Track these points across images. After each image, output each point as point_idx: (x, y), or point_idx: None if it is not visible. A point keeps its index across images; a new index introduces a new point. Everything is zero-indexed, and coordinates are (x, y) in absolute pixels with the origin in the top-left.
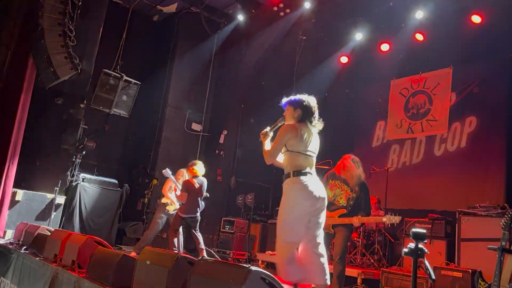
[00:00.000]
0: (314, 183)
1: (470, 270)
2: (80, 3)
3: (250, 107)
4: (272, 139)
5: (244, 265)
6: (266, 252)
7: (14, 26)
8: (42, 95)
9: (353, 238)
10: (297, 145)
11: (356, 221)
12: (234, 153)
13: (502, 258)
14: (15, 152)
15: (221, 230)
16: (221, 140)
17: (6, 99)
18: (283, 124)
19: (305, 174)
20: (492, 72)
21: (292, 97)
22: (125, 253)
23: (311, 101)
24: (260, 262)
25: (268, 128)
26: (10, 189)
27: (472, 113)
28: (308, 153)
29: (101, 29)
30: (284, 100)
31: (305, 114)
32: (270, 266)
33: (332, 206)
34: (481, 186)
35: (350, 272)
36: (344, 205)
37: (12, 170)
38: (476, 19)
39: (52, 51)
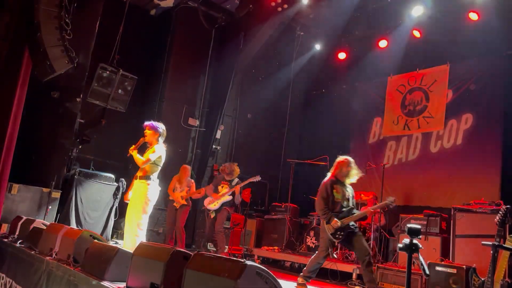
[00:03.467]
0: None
1: (464, 266)
2: None
3: (247, 102)
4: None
5: (240, 260)
6: (263, 247)
7: (10, 19)
8: (38, 88)
9: None
10: (160, 162)
11: (371, 210)
12: (231, 148)
13: (496, 255)
14: (10, 146)
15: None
16: (218, 135)
17: (2, 92)
18: (144, 140)
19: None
20: (488, 70)
21: (153, 123)
22: (120, 247)
23: (164, 128)
24: (256, 257)
25: (133, 147)
26: (5, 182)
27: (469, 110)
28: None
29: (98, 23)
30: (148, 123)
31: (162, 137)
32: (266, 261)
33: (342, 208)
34: (476, 183)
35: (345, 267)
36: (351, 204)
37: (7, 164)
38: (473, 16)
39: (48, 44)
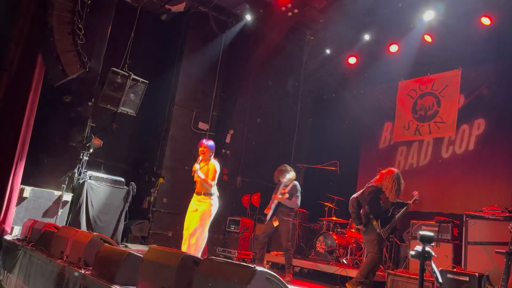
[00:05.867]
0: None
1: (477, 274)
2: (89, 1)
3: (257, 106)
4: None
5: (250, 265)
6: (272, 252)
7: (23, 23)
8: (50, 92)
9: (359, 240)
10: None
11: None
12: (240, 153)
13: (509, 263)
14: (23, 149)
15: (226, 229)
16: (228, 140)
17: (15, 96)
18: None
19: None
20: (501, 74)
21: (209, 143)
22: (131, 251)
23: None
24: (265, 262)
25: (198, 167)
26: (18, 185)
27: (481, 115)
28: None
29: (110, 28)
30: (205, 142)
31: (213, 154)
32: (275, 266)
33: (387, 213)
34: (489, 189)
35: (356, 273)
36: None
37: (20, 167)
38: (486, 21)
39: (61, 49)
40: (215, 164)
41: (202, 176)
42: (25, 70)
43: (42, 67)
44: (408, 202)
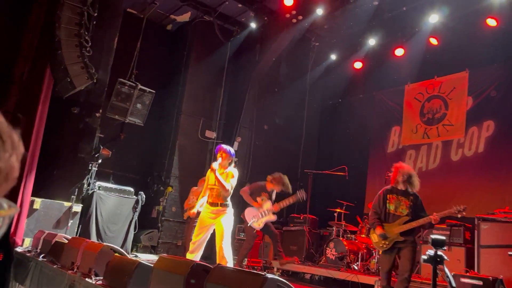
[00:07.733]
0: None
1: (490, 278)
2: (96, 14)
3: (264, 114)
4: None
5: (260, 272)
6: None
7: (32, 37)
8: (59, 104)
9: (369, 245)
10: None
11: (435, 217)
12: (248, 160)
13: None
14: (33, 161)
15: (236, 237)
16: (235, 147)
17: (25, 109)
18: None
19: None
20: (509, 75)
21: (228, 148)
22: (141, 261)
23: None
24: (275, 269)
25: (216, 166)
26: (28, 197)
27: (490, 117)
28: None
29: (116, 39)
30: (224, 147)
31: (233, 161)
32: (286, 273)
33: (395, 218)
34: (500, 192)
35: (367, 279)
36: (406, 213)
37: (30, 179)
38: (491, 22)
39: (69, 61)
40: (233, 171)
41: (221, 179)
42: (34, 83)
43: (51, 79)
44: (430, 217)
